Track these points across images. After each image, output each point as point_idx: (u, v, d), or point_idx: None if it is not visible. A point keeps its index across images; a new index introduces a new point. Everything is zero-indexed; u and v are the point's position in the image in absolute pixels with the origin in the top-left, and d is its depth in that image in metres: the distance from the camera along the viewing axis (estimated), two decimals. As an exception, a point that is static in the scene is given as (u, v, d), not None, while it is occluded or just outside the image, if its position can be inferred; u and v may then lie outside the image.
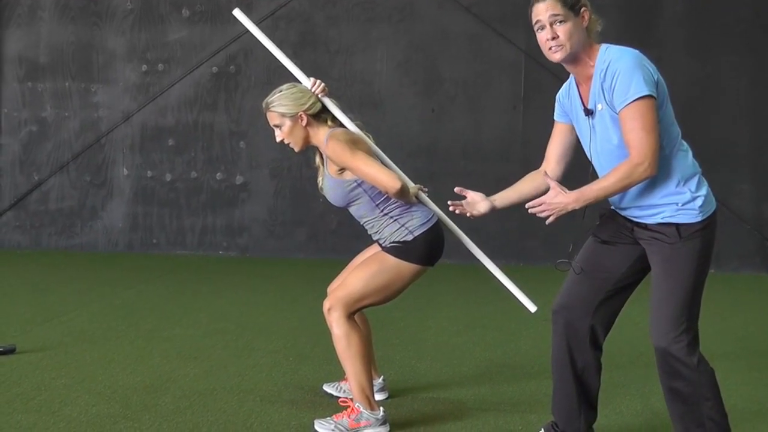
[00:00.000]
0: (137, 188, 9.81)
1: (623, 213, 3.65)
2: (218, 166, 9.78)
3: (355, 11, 9.57)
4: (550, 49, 3.47)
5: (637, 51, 3.44)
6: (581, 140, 3.70)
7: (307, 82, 4.28)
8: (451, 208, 3.95)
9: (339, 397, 4.49)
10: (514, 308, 7.08)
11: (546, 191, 3.64)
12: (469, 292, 7.89)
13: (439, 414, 4.47)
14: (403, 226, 4.16)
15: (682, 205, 3.46)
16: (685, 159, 3.49)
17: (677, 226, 3.47)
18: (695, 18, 9.36)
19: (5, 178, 9.89)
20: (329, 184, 4.25)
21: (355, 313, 4.22)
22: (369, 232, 4.30)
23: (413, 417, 4.40)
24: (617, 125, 3.42)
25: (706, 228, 3.46)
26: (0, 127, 9.89)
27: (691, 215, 3.45)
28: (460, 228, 4.38)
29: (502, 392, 4.88)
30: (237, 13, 4.61)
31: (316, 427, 4.13)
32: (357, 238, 4.61)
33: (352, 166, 4.08)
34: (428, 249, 4.18)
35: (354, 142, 4.13)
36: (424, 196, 4.27)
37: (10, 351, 5.25)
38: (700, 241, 3.45)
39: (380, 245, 4.25)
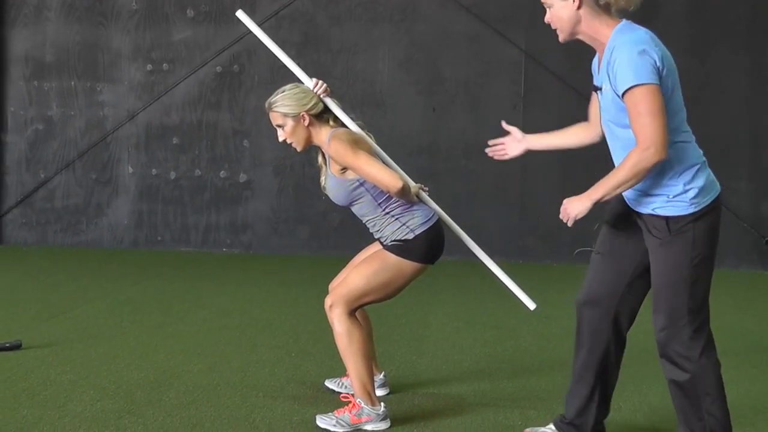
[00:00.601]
0: (142, 186, 9.81)
1: (626, 199, 3.61)
2: (222, 165, 9.78)
3: (357, 11, 9.56)
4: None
5: (644, 35, 3.39)
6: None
7: (309, 82, 4.28)
8: (490, 154, 4.09)
9: (341, 393, 4.49)
10: (514, 305, 7.06)
11: (588, 144, 3.88)
12: (470, 289, 7.89)
13: (439, 409, 4.48)
14: (404, 224, 4.16)
15: (673, 197, 3.42)
16: (684, 150, 3.43)
17: (667, 219, 3.42)
18: (694, 16, 9.35)
19: (12, 176, 9.89)
20: (332, 184, 4.25)
21: (356, 310, 4.23)
22: (371, 231, 4.30)
23: (414, 412, 4.41)
24: (617, 107, 3.39)
25: (700, 219, 3.39)
26: (7, 125, 9.88)
27: (681, 207, 3.40)
28: (460, 226, 4.38)
29: (502, 388, 4.88)
30: (240, 14, 4.61)
31: (318, 423, 4.13)
32: (359, 236, 4.62)
33: (354, 166, 4.08)
34: (429, 247, 4.18)
35: (356, 142, 4.14)
36: (425, 195, 4.27)
37: (16, 347, 5.26)
38: (693, 233, 3.38)
39: (382, 243, 4.25)
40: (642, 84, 3.25)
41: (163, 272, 8.48)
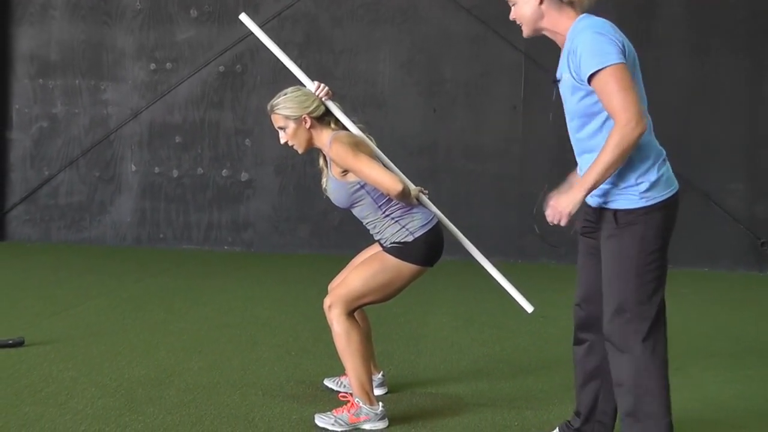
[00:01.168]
0: (145, 184, 9.80)
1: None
2: (224, 163, 9.77)
3: (359, 12, 9.55)
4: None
5: (603, 21, 3.33)
6: None
7: (311, 85, 4.27)
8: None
9: (339, 392, 4.49)
10: (512, 305, 7.01)
11: None
12: (469, 289, 7.87)
13: (437, 409, 4.47)
14: (403, 227, 4.15)
15: (623, 188, 3.33)
16: (642, 141, 3.27)
17: (615, 212, 3.34)
18: (693, 19, 9.34)
19: (16, 173, 9.89)
20: (333, 186, 4.25)
21: (354, 310, 4.22)
22: (371, 232, 4.29)
23: (412, 412, 4.40)
24: (575, 93, 3.33)
25: (651, 214, 3.30)
26: (12, 122, 9.88)
27: (630, 200, 3.32)
28: (459, 229, 4.37)
29: (500, 388, 4.87)
30: (243, 17, 4.61)
31: (317, 421, 4.12)
32: (359, 235, 4.61)
33: (355, 169, 4.07)
34: (428, 250, 4.17)
35: (357, 145, 4.13)
36: (425, 198, 4.27)
37: (19, 343, 5.24)
38: (642, 228, 3.30)
39: (381, 245, 4.24)
40: (609, 65, 3.18)
41: (165, 269, 8.47)
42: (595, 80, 3.21)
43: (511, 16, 3.53)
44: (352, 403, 4.15)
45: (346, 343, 4.15)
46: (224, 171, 9.76)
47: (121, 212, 9.82)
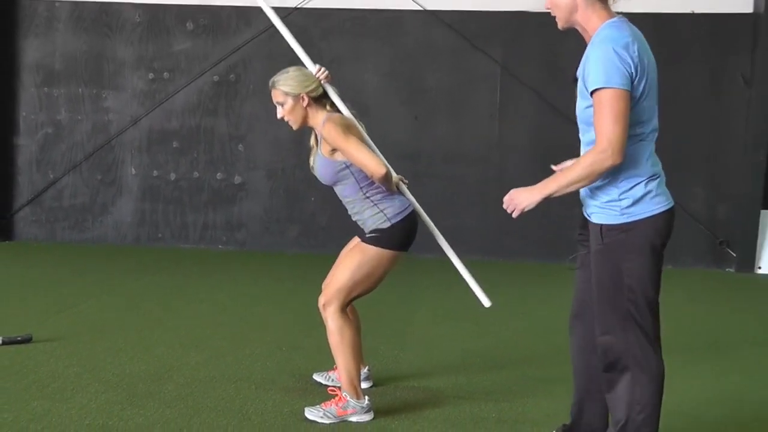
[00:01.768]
0: (144, 186, 9.78)
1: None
2: (218, 167, 9.76)
3: (346, 26, 9.55)
4: None
5: (626, 37, 3.12)
6: None
7: (312, 67, 4.29)
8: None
9: (328, 386, 4.50)
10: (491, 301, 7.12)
11: None
12: (450, 285, 7.83)
13: (419, 402, 4.48)
14: (381, 211, 4.17)
15: (606, 202, 3.18)
16: (632, 159, 3.12)
17: (600, 227, 3.19)
18: (658, 35, 9.37)
19: (23, 176, 9.84)
20: (320, 163, 4.25)
21: (348, 305, 4.24)
22: (350, 213, 4.30)
23: (395, 405, 4.42)
24: (582, 99, 3.19)
25: (633, 231, 3.13)
26: (19, 128, 9.83)
27: (612, 215, 3.16)
28: (441, 230, 4.39)
29: (478, 382, 4.89)
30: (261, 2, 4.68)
31: (307, 414, 4.14)
32: (346, 235, 4.62)
33: (344, 149, 4.08)
34: (403, 236, 4.19)
35: (348, 128, 4.14)
36: (404, 187, 4.29)
37: (27, 340, 5.25)
38: (625, 244, 3.13)
39: (360, 238, 4.25)
40: (610, 87, 3.03)
41: (164, 268, 8.45)
42: (595, 96, 3.09)
43: (546, 6, 3.30)
44: (340, 397, 4.17)
45: (339, 340, 4.17)
46: (219, 174, 9.75)
47: (122, 213, 9.79)
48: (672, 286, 8.36)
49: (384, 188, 4.17)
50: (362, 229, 4.24)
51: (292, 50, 9.68)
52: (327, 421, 4.10)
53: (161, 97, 9.72)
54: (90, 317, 6.13)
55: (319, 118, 4.21)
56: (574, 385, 3.62)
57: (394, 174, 4.21)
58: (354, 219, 4.30)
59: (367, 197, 4.19)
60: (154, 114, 9.74)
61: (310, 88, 4.20)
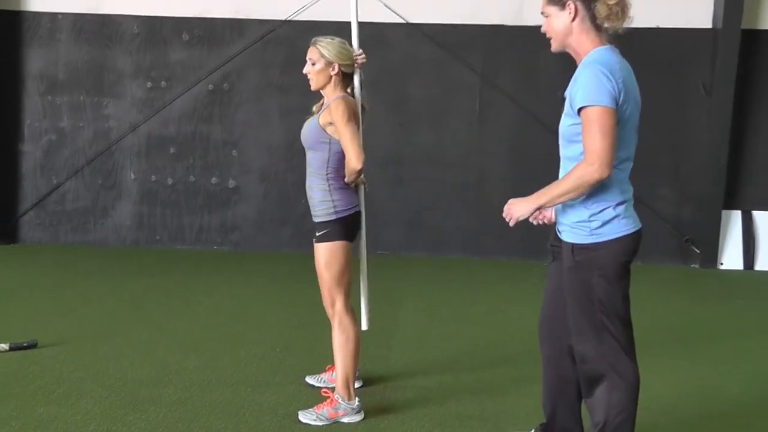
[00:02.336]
0: (143, 190, 9.69)
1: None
2: (213, 172, 9.67)
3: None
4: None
5: (615, 63, 3.17)
6: None
7: (356, 48, 4.25)
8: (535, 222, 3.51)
9: (321, 388, 4.47)
10: (472, 301, 7.10)
11: None
12: (434, 284, 7.85)
13: (407, 401, 4.47)
14: (331, 201, 4.13)
15: (576, 222, 3.20)
16: (607, 183, 3.13)
17: (572, 246, 3.20)
18: (627, 46, 9.36)
19: (28, 181, 9.73)
20: (311, 126, 4.19)
21: (348, 302, 4.20)
22: (306, 187, 4.22)
23: (384, 404, 4.40)
24: (567, 116, 3.21)
25: (601, 250, 3.14)
26: (23, 135, 9.71)
27: (581, 235, 3.18)
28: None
29: (462, 380, 4.87)
30: None
31: (300, 417, 4.11)
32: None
33: (340, 129, 4.03)
34: (347, 229, 4.16)
35: (354, 114, 4.11)
36: (362, 189, 4.26)
37: (32, 345, 5.17)
38: (595, 263, 3.14)
39: (314, 239, 4.21)
40: (598, 105, 3.06)
41: (162, 270, 8.32)
42: (583, 114, 3.10)
43: (543, 29, 3.31)
44: (332, 399, 4.14)
45: (344, 342, 4.15)
46: (213, 179, 9.66)
47: (122, 216, 9.70)
48: (642, 282, 8.36)
49: (344, 180, 4.12)
50: (313, 222, 4.21)
51: (281, 59, 9.60)
52: (320, 423, 4.08)
53: (159, 105, 9.63)
54: (92, 321, 6.03)
55: (336, 92, 4.15)
56: (544, 387, 3.63)
57: (362, 177, 4.19)
58: (307, 196, 4.23)
59: (327, 179, 4.13)
60: (152, 121, 9.64)
61: (345, 63, 4.15)
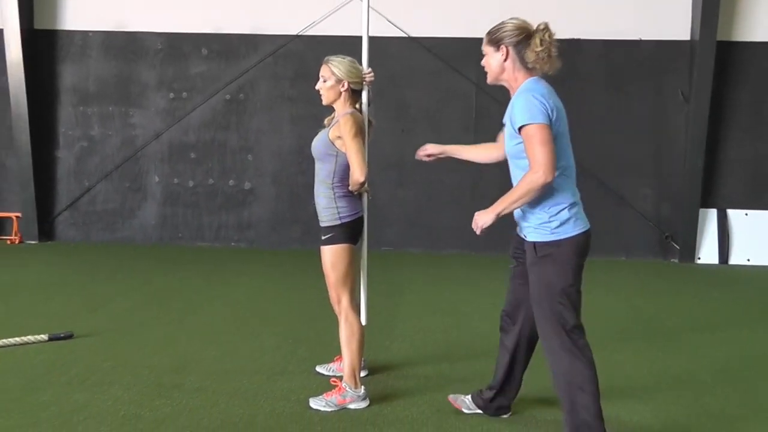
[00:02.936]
0: (166, 193, 9.76)
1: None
2: (230, 175, 9.75)
3: (338, 52, 9.47)
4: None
5: (543, 88, 3.40)
6: None
7: (365, 67, 4.33)
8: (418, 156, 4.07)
9: (330, 377, 4.51)
10: (467, 294, 7.14)
11: (492, 162, 4.05)
12: (432, 279, 7.90)
13: (408, 389, 4.48)
14: (336, 208, 4.16)
15: (538, 224, 3.42)
16: (556, 190, 3.39)
17: (534, 245, 3.43)
18: (609, 57, 9.40)
19: (62, 185, 9.82)
20: (321, 138, 4.23)
21: (353, 298, 4.22)
22: (314, 192, 4.26)
23: (387, 392, 4.42)
24: (512, 141, 3.44)
25: (562, 247, 3.37)
26: (58, 143, 9.80)
27: (543, 234, 3.40)
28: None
29: (458, 369, 4.88)
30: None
31: (311, 404, 4.15)
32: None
33: (348, 143, 4.06)
34: (351, 233, 4.19)
35: (361, 130, 4.14)
36: (365, 197, 4.29)
37: (69, 336, 5.25)
38: (556, 258, 3.37)
39: (321, 243, 4.23)
40: (535, 123, 3.28)
41: (184, 266, 8.40)
42: (523, 132, 3.33)
43: (482, 63, 3.59)
44: (340, 387, 4.18)
45: (350, 334, 4.18)
46: (231, 181, 9.73)
47: (147, 216, 9.78)
48: (625, 275, 8.51)
49: (348, 188, 4.15)
50: (320, 226, 4.24)
51: (291, 72, 9.62)
52: (329, 409, 4.11)
53: (180, 114, 9.70)
54: (121, 314, 6.10)
55: (345, 108, 4.20)
56: (498, 364, 4.01)
57: (365, 187, 4.22)
58: (314, 201, 4.27)
59: (333, 187, 4.17)
60: (174, 129, 9.71)
61: (354, 80, 4.21)
